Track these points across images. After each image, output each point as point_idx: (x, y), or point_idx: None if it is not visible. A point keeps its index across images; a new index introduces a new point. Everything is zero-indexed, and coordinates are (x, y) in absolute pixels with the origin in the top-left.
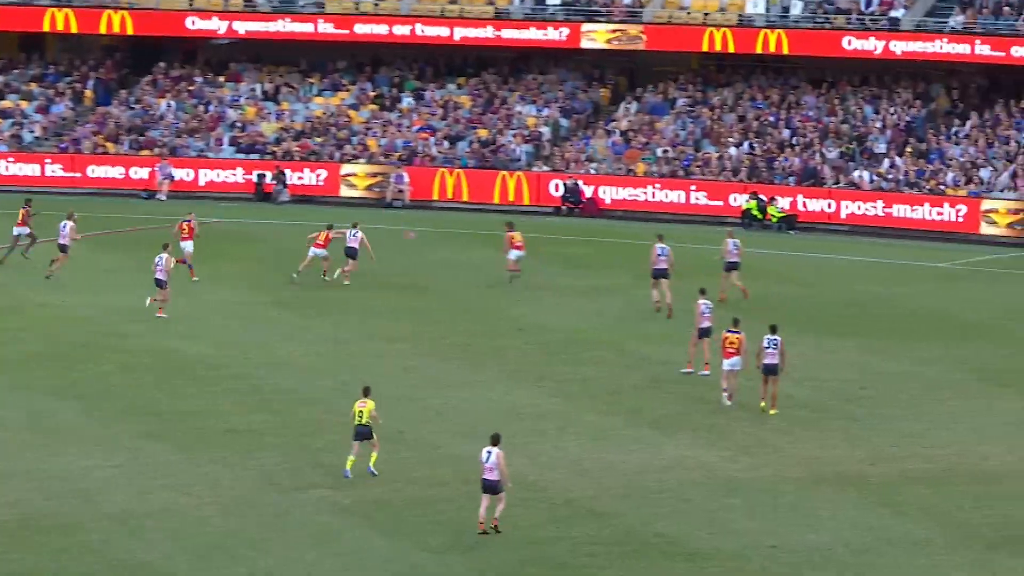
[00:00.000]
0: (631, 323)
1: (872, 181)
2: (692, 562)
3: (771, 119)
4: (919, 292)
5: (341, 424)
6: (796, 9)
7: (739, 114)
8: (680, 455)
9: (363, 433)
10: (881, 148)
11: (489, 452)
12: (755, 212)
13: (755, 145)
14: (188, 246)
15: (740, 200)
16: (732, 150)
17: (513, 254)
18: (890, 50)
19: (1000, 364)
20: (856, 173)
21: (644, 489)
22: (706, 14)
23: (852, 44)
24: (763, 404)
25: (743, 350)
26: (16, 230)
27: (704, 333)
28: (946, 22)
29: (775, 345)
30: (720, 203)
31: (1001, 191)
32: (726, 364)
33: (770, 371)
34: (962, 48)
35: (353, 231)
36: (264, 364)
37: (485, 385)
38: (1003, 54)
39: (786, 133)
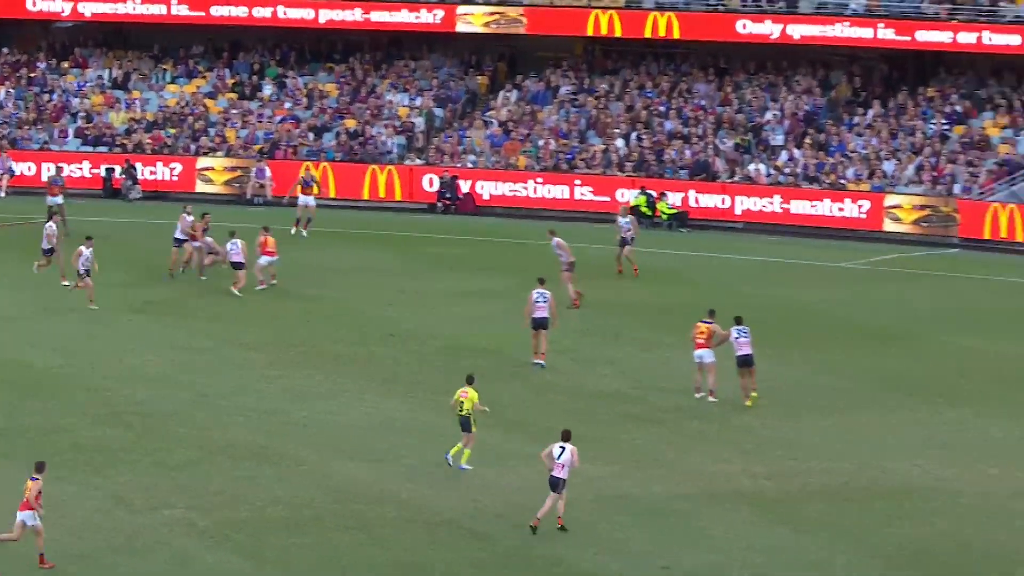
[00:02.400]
0: (512, 329)
1: (769, 175)
2: None
3: (661, 108)
4: (819, 294)
5: (198, 438)
6: None
7: (627, 103)
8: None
9: (464, 424)
10: (778, 140)
11: (563, 448)
12: (644, 209)
13: (643, 137)
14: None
15: (628, 195)
16: (619, 142)
17: (263, 259)
18: (788, 34)
19: (905, 372)
20: (752, 166)
21: (525, 508)
22: None
23: (747, 28)
24: (748, 402)
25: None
26: None
27: (744, 362)
28: (847, 4)
29: (746, 334)
30: (607, 199)
31: (906, 185)
32: (696, 355)
33: (745, 362)
34: (864, 32)
35: (232, 242)
36: (115, 374)
37: (354, 396)
38: (908, 38)
39: (677, 124)
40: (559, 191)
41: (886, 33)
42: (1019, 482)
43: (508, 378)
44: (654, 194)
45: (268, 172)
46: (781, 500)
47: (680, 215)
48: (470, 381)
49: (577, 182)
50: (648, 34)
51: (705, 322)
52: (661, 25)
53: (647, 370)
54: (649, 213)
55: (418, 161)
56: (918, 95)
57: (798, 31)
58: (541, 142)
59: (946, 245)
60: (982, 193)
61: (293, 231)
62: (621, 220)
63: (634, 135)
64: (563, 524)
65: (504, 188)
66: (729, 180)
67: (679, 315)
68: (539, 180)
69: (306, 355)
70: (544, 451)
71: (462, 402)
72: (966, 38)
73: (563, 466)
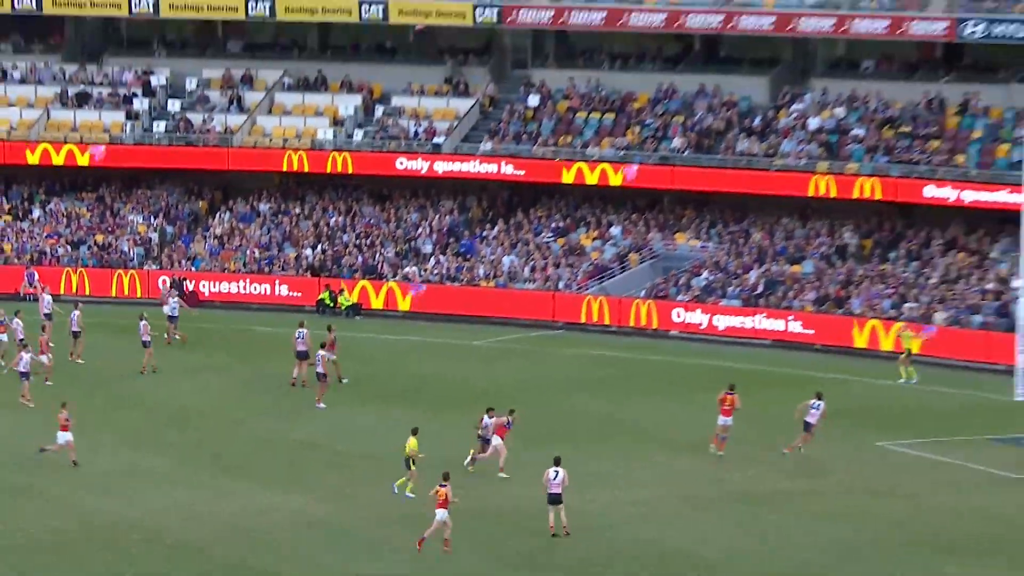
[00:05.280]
0: (232, 395)
1: (421, 275)
2: None
3: (340, 225)
4: (457, 367)
5: None
6: (358, 136)
7: (313, 221)
8: (273, 502)
9: (406, 463)
10: (428, 248)
11: (556, 471)
12: (328, 301)
13: (326, 247)
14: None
15: (317, 292)
16: (307, 251)
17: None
18: (434, 169)
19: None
20: (408, 268)
21: (238, 529)
22: (285, 140)
23: (404, 164)
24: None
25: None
26: None
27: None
28: (478, 146)
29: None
30: (299, 294)
31: (523, 282)
32: (720, 421)
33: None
34: (491, 167)
35: (300, 332)
36: None
37: (108, 449)
38: (523, 172)
39: (352, 236)
40: (263, 288)
41: (507, 168)
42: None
43: (228, 429)
44: (335, 291)
45: (36, 275)
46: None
47: (355, 306)
48: (414, 432)
49: (277, 281)
50: (329, 169)
51: (729, 393)
52: (339, 162)
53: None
54: (332, 305)
55: (154, 266)
56: (531, 214)
57: (442, 167)
58: (248, 251)
59: (552, 328)
60: (579, 288)
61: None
62: (299, 331)
63: (319, 246)
64: (568, 531)
65: (220, 286)
66: (392, 279)
67: (362, 388)
68: (247, 280)
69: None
70: (544, 476)
71: (406, 447)
72: (567, 177)
73: (558, 484)
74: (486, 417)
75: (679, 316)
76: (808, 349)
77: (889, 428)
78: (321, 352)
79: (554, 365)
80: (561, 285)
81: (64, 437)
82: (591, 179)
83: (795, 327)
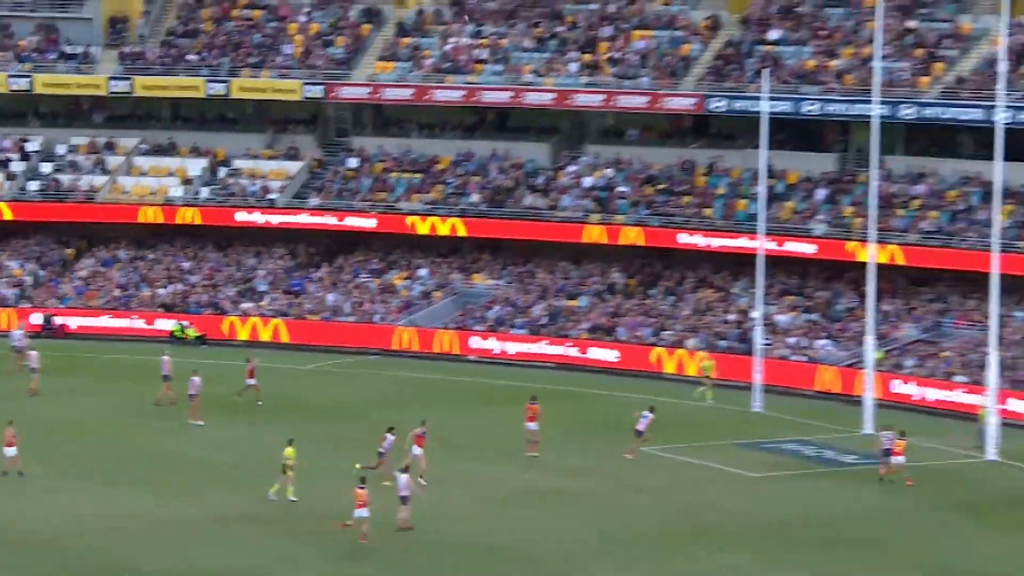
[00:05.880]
0: (102, 412)
1: (258, 309)
2: None
3: (188, 268)
4: (294, 385)
5: None
6: (205, 193)
7: (165, 265)
8: (134, 502)
9: (283, 469)
10: (264, 288)
11: (401, 479)
12: (178, 333)
13: (177, 287)
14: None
15: (167, 325)
16: (161, 290)
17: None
18: (269, 221)
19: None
20: (245, 305)
21: (70, 533)
22: (142, 197)
23: (243, 217)
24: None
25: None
26: None
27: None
28: (307, 200)
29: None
30: (154, 327)
31: (345, 315)
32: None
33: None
34: (318, 219)
35: None
36: None
37: None
38: (341, 222)
39: (199, 279)
40: (123, 323)
41: (330, 219)
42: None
43: (100, 440)
44: (185, 323)
45: None
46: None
47: (202, 337)
48: (290, 442)
49: (135, 316)
50: (179, 221)
51: (532, 403)
52: (188, 215)
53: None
54: (182, 336)
55: (28, 304)
56: (350, 260)
57: (276, 219)
58: (109, 291)
59: (369, 354)
60: (392, 320)
61: None
62: (165, 358)
63: (171, 287)
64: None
65: (84, 321)
66: (234, 314)
67: (216, 403)
68: (110, 315)
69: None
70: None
71: (285, 455)
72: (386, 224)
73: (405, 487)
74: (388, 435)
75: (476, 343)
76: (583, 370)
77: (651, 435)
78: (194, 378)
79: (373, 386)
80: (376, 318)
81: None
82: (402, 229)
83: (572, 352)
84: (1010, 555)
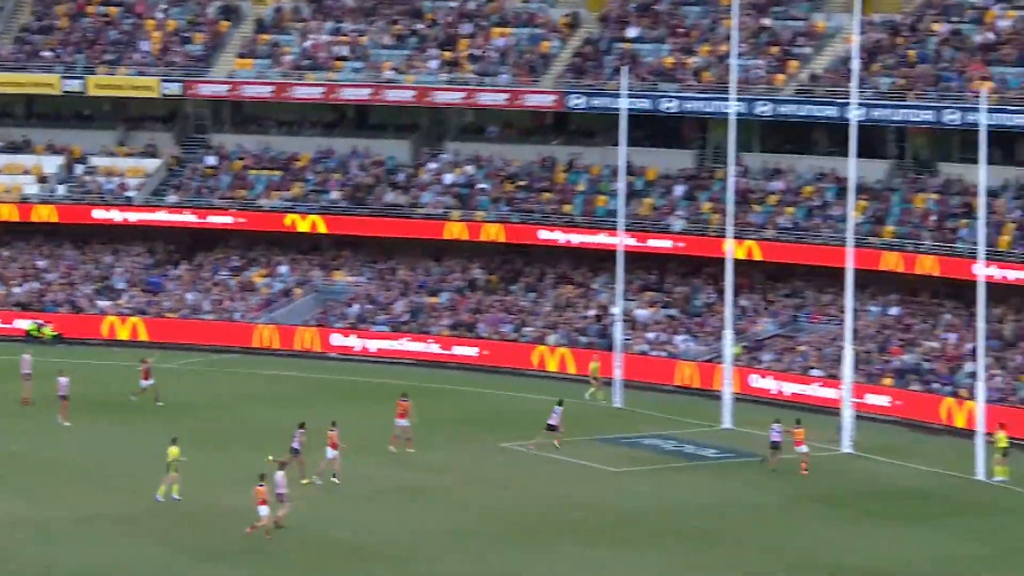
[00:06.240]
0: None
1: (115, 307)
2: None
3: (43, 266)
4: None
5: None
6: (61, 191)
7: (20, 264)
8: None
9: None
10: (122, 285)
11: (277, 476)
12: (34, 332)
13: (36, 284)
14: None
15: (23, 324)
16: (17, 289)
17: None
18: (127, 219)
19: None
20: (102, 303)
21: None
22: None
23: (100, 214)
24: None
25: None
26: None
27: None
28: (165, 198)
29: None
30: (10, 325)
31: (204, 313)
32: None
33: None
34: (176, 217)
35: None
36: None
37: None
38: (202, 220)
39: (55, 277)
40: None
41: (189, 217)
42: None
43: None
44: (42, 322)
45: None
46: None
47: (58, 336)
48: (174, 441)
49: None
50: (35, 219)
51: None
52: (44, 213)
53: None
54: (38, 334)
55: None
56: (209, 257)
57: (133, 216)
58: None
59: (230, 352)
60: (253, 317)
61: None
62: (24, 357)
63: (27, 285)
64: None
65: None
66: (90, 312)
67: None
68: None
69: None
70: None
71: (169, 454)
72: (244, 224)
73: (281, 485)
74: (299, 432)
75: (338, 341)
76: (445, 367)
77: (510, 431)
78: (61, 378)
79: (234, 383)
80: (236, 316)
81: None
82: (265, 226)
83: (434, 348)
84: (864, 546)
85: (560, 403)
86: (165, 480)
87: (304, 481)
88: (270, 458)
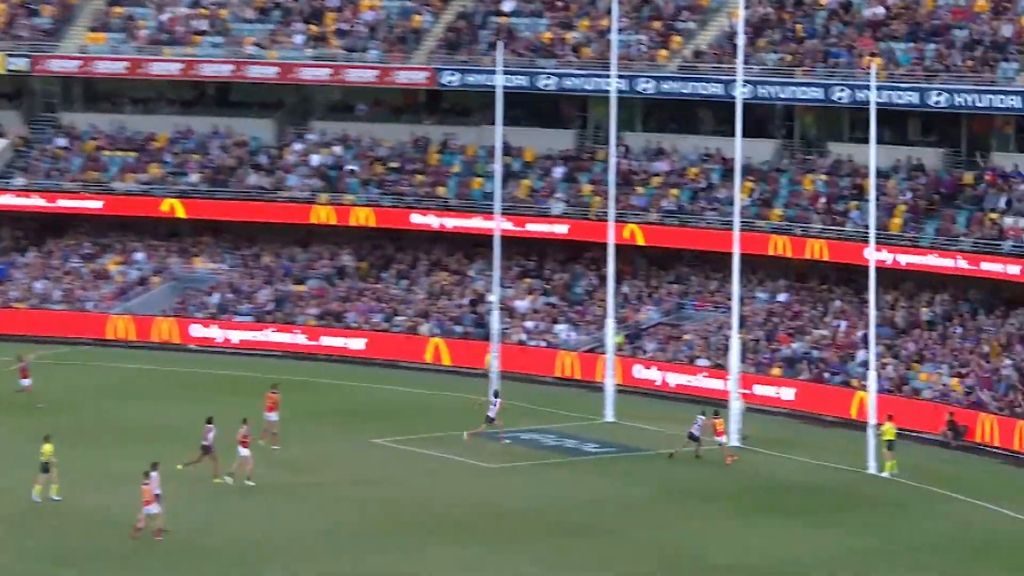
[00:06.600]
0: None
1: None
2: None
3: None
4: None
5: None
6: None
7: None
8: None
9: (44, 467)
10: None
11: (153, 475)
12: None
13: None
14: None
15: None
16: None
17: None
18: None
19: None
20: None
21: None
22: None
23: None
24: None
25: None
26: None
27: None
28: (11, 181)
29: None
30: None
31: (55, 303)
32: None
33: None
34: (24, 201)
35: None
36: None
37: None
38: (51, 204)
39: None
40: None
41: (39, 201)
42: None
43: None
44: None
45: None
46: None
47: None
48: (47, 439)
49: None
50: None
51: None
52: None
53: None
54: None
55: None
56: (60, 243)
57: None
58: None
59: (82, 344)
60: (107, 307)
61: None
62: None
63: None
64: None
65: None
66: None
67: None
68: None
69: None
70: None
71: (43, 452)
72: (95, 208)
73: (156, 485)
74: (208, 427)
75: (198, 331)
76: (312, 358)
77: (382, 427)
78: None
79: (87, 377)
80: (89, 305)
81: None
82: (120, 210)
83: (301, 339)
84: (752, 542)
85: (496, 395)
86: (41, 480)
87: (216, 480)
88: (179, 467)
